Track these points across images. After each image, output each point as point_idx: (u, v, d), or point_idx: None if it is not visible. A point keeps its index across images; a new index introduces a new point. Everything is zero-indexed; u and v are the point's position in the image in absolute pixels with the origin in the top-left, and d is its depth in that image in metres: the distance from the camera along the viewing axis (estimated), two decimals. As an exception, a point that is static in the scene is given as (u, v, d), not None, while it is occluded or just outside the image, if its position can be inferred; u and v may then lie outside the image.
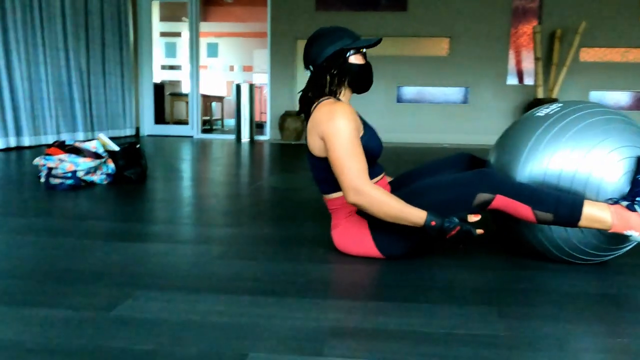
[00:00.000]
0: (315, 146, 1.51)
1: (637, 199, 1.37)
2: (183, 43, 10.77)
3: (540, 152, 1.48)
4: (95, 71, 6.30)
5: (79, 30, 5.93)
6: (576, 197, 1.39)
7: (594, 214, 1.35)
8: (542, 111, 1.59)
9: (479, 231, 1.42)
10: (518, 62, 7.06)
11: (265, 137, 7.49)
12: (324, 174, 1.55)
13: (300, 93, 1.60)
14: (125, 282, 1.31)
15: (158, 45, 10.63)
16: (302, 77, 7.32)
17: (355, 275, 1.41)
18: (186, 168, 3.75)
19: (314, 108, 1.53)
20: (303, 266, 1.48)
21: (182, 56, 10.71)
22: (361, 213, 1.53)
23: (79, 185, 2.76)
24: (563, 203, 1.37)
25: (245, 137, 7.03)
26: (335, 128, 1.43)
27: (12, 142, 4.82)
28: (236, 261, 1.51)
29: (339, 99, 1.55)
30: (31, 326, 1.04)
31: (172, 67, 10.97)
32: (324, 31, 1.54)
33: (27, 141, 4.99)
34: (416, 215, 1.39)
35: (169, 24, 10.77)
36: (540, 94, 6.62)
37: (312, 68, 1.55)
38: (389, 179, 1.82)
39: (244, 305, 1.18)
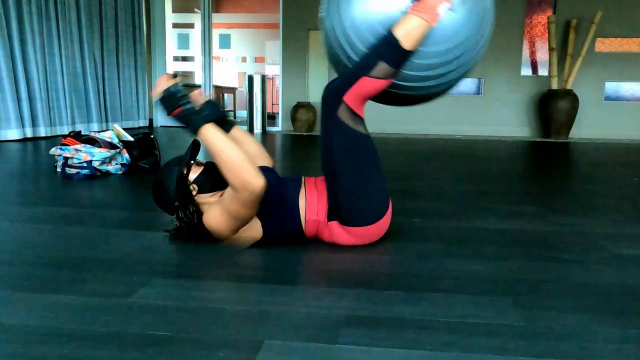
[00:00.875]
0: None
1: None
2: (195, 34, 10.79)
3: None
4: (109, 62, 6.35)
5: (94, 22, 5.97)
6: (384, 35, 1.43)
7: (405, 28, 1.40)
8: None
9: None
10: (532, 53, 6.98)
11: (278, 128, 7.51)
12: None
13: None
14: (142, 270, 1.33)
15: (171, 36, 10.67)
16: (314, 68, 7.31)
17: (369, 264, 1.42)
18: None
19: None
20: (317, 256, 1.49)
21: (195, 47, 10.75)
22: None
23: (95, 175, 2.80)
24: (378, 47, 1.42)
25: (257, 128, 7.05)
26: (215, 228, 1.48)
27: (29, 133, 4.89)
28: (251, 250, 1.52)
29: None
30: (51, 312, 1.06)
31: (184, 59, 11.01)
32: (156, 182, 1.56)
33: (42, 132, 5.06)
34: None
35: (181, 15, 10.79)
36: (555, 85, 6.54)
37: (171, 211, 1.55)
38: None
39: (259, 293, 1.19)
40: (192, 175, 1.55)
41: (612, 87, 6.88)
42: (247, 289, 1.22)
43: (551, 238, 1.73)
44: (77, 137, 2.97)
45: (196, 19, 9.64)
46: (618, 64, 6.78)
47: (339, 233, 1.54)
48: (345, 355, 0.91)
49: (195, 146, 1.61)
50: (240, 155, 1.39)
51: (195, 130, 1.45)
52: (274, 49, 11.04)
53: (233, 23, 11.70)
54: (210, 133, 1.43)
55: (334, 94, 1.47)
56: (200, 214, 1.53)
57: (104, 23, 6.18)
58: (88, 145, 2.85)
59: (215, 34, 11.40)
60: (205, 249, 1.51)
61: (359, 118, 1.49)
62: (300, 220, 1.54)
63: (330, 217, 1.53)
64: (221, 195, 1.53)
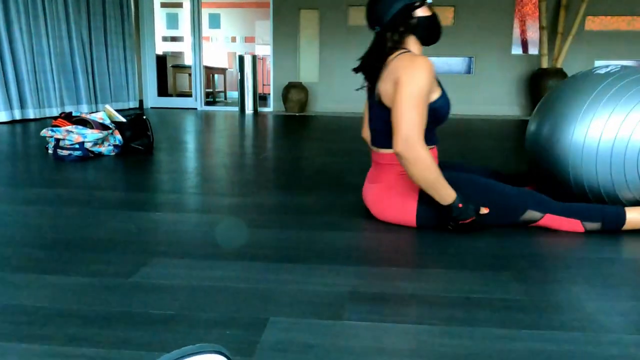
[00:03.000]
0: (386, 93, 1.49)
1: None
2: (185, 14, 10.62)
3: (598, 111, 1.52)
4: (97, 43, 6.23)
5: (80, 2, 5.84)
6: (618, 207, 1.52)
7: (637, 218, 1.50)
8: (601, 70, 1.63)
9: (484, 210, 1.50)
10: (523, 32, 6.96)
11: (269, 109, 7.46)
12: (387, 127, 1.53)
13: (367, 52, 1.57)
14: (141, 250, 1.32)
15: (159, 16, 10.49)
16: (306, 47, 7.23)
17: (371, 242, 1.43)
18: (191, 140, 3.75)
19: (391, 60, 1.50)
20: (318, 233, 1.49)
21: (184, 27, 10.59)
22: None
23: (87, 157, 2.77)
24: (608, 213, 1.51)
25: (249, 109, 7.00)
26: (412, 76, 1.41)
27: (17, 115, 4.81)
28: (251, 229, 1.52)
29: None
30: (53, 292, 1.06)
31: (173, 39, 10.84)
32: None
33: (31, 114, 4.98)
34: (447, 191, 1.42)
35: (169, -6, 10.60)
36: (545, 64, 6.54)
37: (378, 28, 1.54)
38: None
39: (261, 271, 1.19)
40: (420, 13, 1.53)
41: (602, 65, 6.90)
42: (249, 267, 1.22)
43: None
44: (69, 118, 2.92)
45: (184, -3, 9.47)
46: (608, 42, 6.78)
47: (378, 202, 1.60)
48: (349, 331, 0.92)
49: None
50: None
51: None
52: (264, 28, 10.90)
53: (222, 2, 11.51)
54: None
55: (545, 203, 1.53)
56: (399, 46, 1.52)
57: (91, 3, 6.05)
58: (80, 127, 2.81)
59: (205, 13, 11.21)
60: (202, 230, 1.51)
61: (530, 223, 1.56)
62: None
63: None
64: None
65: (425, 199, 1.51)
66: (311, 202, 1.88)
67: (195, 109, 7.52)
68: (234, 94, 10.97)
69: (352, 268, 1.22)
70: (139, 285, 1.10)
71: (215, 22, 11.70)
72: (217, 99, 9.53)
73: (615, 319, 0.98)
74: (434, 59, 7.10)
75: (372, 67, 1.55)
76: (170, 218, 1.62)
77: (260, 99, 8.62)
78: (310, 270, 1.20)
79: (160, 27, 10.62)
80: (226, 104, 8.41)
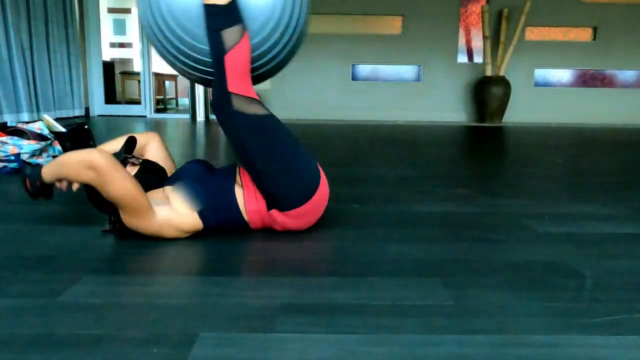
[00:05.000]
0: None
1: None
2: (133, 20, 10.39)
3: None
4: (38, 49, 6.01)
5: (19, 6, 5.62)
6: (202, 12, 1.44)
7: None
8: None
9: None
10: (468, 41, 7.22)
11: (221, 116, 7.38)
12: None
13: None
14: (72, 267, 1.29)
15: (106, 21, 10.22)
16: (257, 55, 7.22)
17: (306, 252, 1.44)
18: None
19: None
20: (253, 245, 1.49)
21: (132, 33, 10.36)
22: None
23: (24, 169, 2.67)
24: (209, 24, 1.42)
25: (200, 117, 6.92)
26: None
27: (-50, 125, 4.57)
28: (188, 242, 1.51)
29: None
30: (-27, 314, 1.02)
31: (122, 45, 10.59)
32: None
33: (-34, 123, 4.74)
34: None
35: (117, -1, 10.35)
36: (489, 72, 6.80)
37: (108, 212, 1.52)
38: None
39: (194, 286, 1.19)
40: None
41: (541, 73, 7.25)
42: (182, 282, 1.21)
43: (481, 219, 1.81)
44: (3, 128, 2.80)
45: (132, 3, 9.26)
46: (546, 52, 7.13)
47: (283, 220, 1.54)
48: (280, 344, 0.93)
49: (130, 142, 1.56)
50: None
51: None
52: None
53: (172, 8, 11.34)
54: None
55: (219, 95, 1.44)
56: None
57: (31, 7, 5.83)
58: (15, 137, 2.70)
59: (154, 19, 11.02)
60: (139, 244, 1.48)
61: (253, 101, 1.46)
62: (239, 211, 1.52)
63: (269, 206, 1.53)
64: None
65: (281, 201, 1.50)
66: (254, 212, 1.88)
67: (145, 116, 7.36)
68: (185, 101, 10.82)
69: (285, 279, 1.23)
70: (66, 304, 1.07)
71: (165, 28, 11.51)
72: (168, 106, 9.36)
73: (533, 320, 1.03)
74: (383, 67, 7.25)
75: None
76: (107, 233, 1.59)
77: (212, 106, 8.53)
78: (244, 283, 1.21)
79: (108, 33, 10.35)
80: (177, 111, 8.28)
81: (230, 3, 1.42)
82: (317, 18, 7.05)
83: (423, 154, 3.61)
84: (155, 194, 1.51)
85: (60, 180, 1.43)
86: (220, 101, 1.45)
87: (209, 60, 1.51)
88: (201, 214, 1.48)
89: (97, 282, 1.20)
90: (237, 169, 1.61)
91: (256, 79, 1.63)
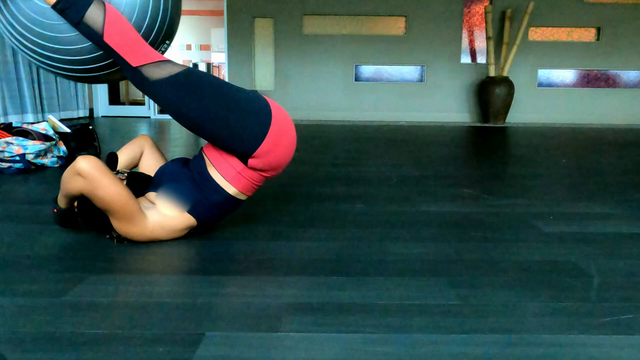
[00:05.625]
0: None
1: None
2: (136, 21, 10.42)
3: None
4: (42, 50, 6.03)
5: (23, 7, 5.64)
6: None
7: None
8: None
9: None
10: (471, 41, 7.21)
11: (224, 117, 7.39)
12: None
13: None
14: (77, 267, 1.29)
15: (110, 22, 10.26)
16: (261, 55, 7.23)
17: (311, 251, 1.44)
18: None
19: None
20: (259, 245, 1.49)
21: (136, 34, 10.38)
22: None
23: (29, 169, 2.67)
24: (67, 11, 1.37)
25: (203, 118, 6.92)
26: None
27: (-45, 126, 4.59)
28: (193, 242, 1.51)
29: None
30: (-21, 313, 1.02)
31: (125, 46, 10.62)
32: None
33: (-29, 124, 4.76)
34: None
35: (120, 0, 10.40)
36: (492, 72, 6.79)
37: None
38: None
39: (200, 285, 1.19)
40: None
41: (544, 73, 7.23)
42: (187, 281, 1.21)
43: (486, 219, 1.81)
44: (8, 129, 2.81)
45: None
46: (549, 52, 7.11)
47: (262, 164, 1.47)
48: (286, 343, 0.93)
49: (112, 158, 1.55)
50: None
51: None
52: (219, 36, 10.82)
53: (175, 9, 11.37)
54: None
55: (130, 76, 1.41)
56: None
57: (36, 8, 5.86)
58: (20, 138, 2.71)
59: (157, 20, 11.06)
60: (144, 244, 1.48)
61: (162, 63, 1.41)
62: (222, 188, 1.48)
63: (242, 160, 1.47)
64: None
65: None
66: (258, 212, 1.88)
67: (149, 117, 7.37)
68: (189, 102, 10.82)
69: (290, 278, 1.23)
70: (72, 304, 1.07)
71: (168, 29, 11.54)
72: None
73: (540, 320, 1.03)
74: (387, 68, 7.25)
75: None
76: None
77: (216, 107, 8.54)
78: (249, 282, 1.20)
79: (112, 34, 10.40)
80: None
81: None
82: (320, 19, 7.06)
83: (427, 154, 3.60)
84: (142, 201, 1.50)
85: (67, 198, 1.42)
86: (134, 80, 1.41)
87: (82, 57, 1.45)
88: (191, 212, 1.47)
89: (102, 281, 1.20)
90: (201, 150, 1.57)
91: (156, 41, 1.56)
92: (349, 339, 0.94)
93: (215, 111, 1.40)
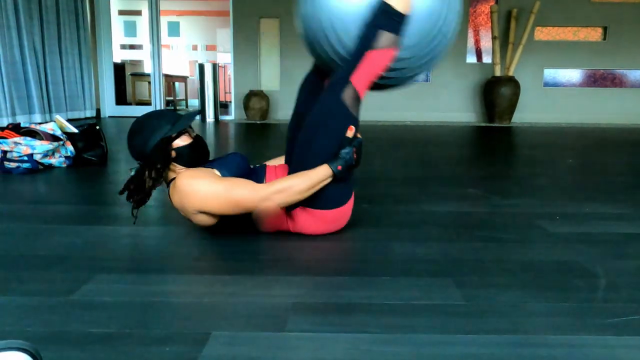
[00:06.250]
0: (202, 216, 1.46)
1: None
2: (143, 22, 10.47)
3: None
4: (51, 51, 6.06)
5: (32, 8, 5.68)
6: (376, 6, 1.46)
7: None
8: None
9: (349, 132, 1.48)
10: (477, 41, 7.19)
11: (230, 117, 7.42)
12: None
13: (129, 184, 1.48)
14: (85, 266, 1.30)
15: (117, 23, 10.30)
16: (266, 56, 7.24)
17: (317, 251, 1.44)
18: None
19: (169, 190, 1.48)
20: (266, 244, 1.50)
21: (143, 35, 10.43)
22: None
23: (37, 169, 2.69)
24: (376, 19, 1.45)
25: (210, 117, 6.95)
26: (199, 199, 1.40)
27: (-37, 126, 4.63)
28: (200, 241, 1.51)
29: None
30: (-12, 312, 1.03)
31: (132, 47, 10.66)
32: (139, 125, 1.48)
33: (-21, 124, 4.80)
34: (322, 174, 1.44)
35: (127, 1, 10.43)
36: (498, 72, 6.76)
37: (140, 162, 1.50)
38: (279, 161, 1.81)
39: (207, 284, 1.19)
40: (180, 142, 1.49)
41: (550, 73, 7.19)
42: (194, 280, 1.22)
43: (492, 219, 1.80)
44: (16, 129, 2.84)
45: (143, 5, 9.33)
46: (555, 52, 7.07)
47: (305, 220, 1.52)
48: (292, 343, 0.93)
49: (195, 115, 1.53)
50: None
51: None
52: (225, 36, 10.85)
53: (182, 10, 11.37)
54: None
55: (339, 77, 1.47)
56: (160, 180, 1.48)
57: (44, 10, 5.89)
58: (28, 138, 2.73)
59: (164, 21, 11.07)
60: (151, 243, 1.49)
61: (358, 102, 1.49)
62: None
63: (292, 205, 1.51)
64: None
65: (311, 203, 1.50)
66: (264, 212, 1.88)
67: (155, 117, 7.40)
68: (195, 102, 10.86)
69: (297, 278, 1.24)
70: (80, 303, 1.08)
71: (174, 30, 11.56)
72: (178, 107, 9.41)
73: (546, 321, 1.03)
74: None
75: (139, 201, 1.50)
76: (119, 232, 1.60)
77: (222, 106, 8.57)
78: (256, 282, 1.21)
79: (119, 34, 10.42)
80: (187, 113, 8.30)
81: (405, 15, 1.45)
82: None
83: (432, 154, 3.59)
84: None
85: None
86: (337, 82, 1.46)
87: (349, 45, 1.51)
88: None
89: (109, 280, 1.21)
90: (265, 169, 1.61)
91: (375, 86, 1.64)
92: (355, 339, 0.95)
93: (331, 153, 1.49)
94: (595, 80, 7.25)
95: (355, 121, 1.49)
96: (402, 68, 1.56)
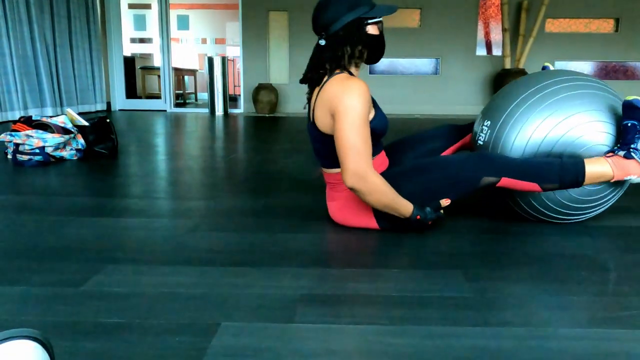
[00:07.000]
0: (324, 123, 1.45)
1: (632, 146, 1.44)
2: (153, 15, 10.49)
3: (522, 118, 1.55)
4: (62, 44, 6.10)
5: (43, 3, 5.71)
6: (576, 159, 1.46)
7: (596, 170, 1.45)
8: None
9: (445, 202, 1.49)
10: (487, 34, 7.12)
11: (239, 110, 7.43)
12: (328, 150, 1.51)
13: (310, 64, 1.49)
14: (96, 257, 1.31)
15: (127, 17, 10.33)
16: (275, 49, 7.23)
17: (327, 244, 1.45)
18: (160, 142, 3.71)
19: (326, 81, 1.45)
20: (276, 236, 1.50)
21: (152, 29, 10.46)
22: None
23: (48, 162, 2.72)
24: (566, 170, 1.44)
25: (219, 111, 6.96)
26: (349, 106, 1.35)
27: (-24, 119, 4.68)
28: (210, 233, 1.52)
29: (351, 73, 1.47)
30: (1, 304, 1.04)
31: (142, 40, 10.69)
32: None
33: (-9, 118, 4.85)
34: (404, 208, 1.43)
35: (137, -5, 10.47)
36: (508, 65, 6.70)
37: (324, 35, 1.45)
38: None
39: (217, 276, 1.20)
40: (371, 30, 1.46)
41: (561, 66, 7.10)
42: (203, 272, 1.22)
43: (502, 212, 1.79)
44: (28, 122, 2.86)
45: (152, -1, 9.35)
46: (566, 44, 6.99)
47: (342, 207, 1.58)
48: (300, 334, 0.94)
49: (394, 9, 1.49)
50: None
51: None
52: (234, 30, 10.85)
53: (191, 4, 11.38)
54: None
55: (500, 166, 1.46)
56: (358, 63, 1.48)
57: (55, 4, 5.92)
58: (40, 131, 2.75)
59: (173, 14, 11.08)
60: (162, 235, 1.50)
61: (479, 189, 1.50)
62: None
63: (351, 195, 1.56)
64: None
65: (381, 215, 1.52)
66: (275, 204, 1.89)
67: (165, 110, 7.43)
68: (205, 95, 10.88)
69: (306, 270, 1.24)
70: (92, 293, 1.09)
71: (184, 23, 11.57)
72: (187, 101, 9.44)
73: (556, 314, 1.02)
74: (401, 61, 7.20)
75: (310, 80, 1.51)
76: (129, 224, 1.61)
77: (231, 100, 8.59)
78: (265, 274, 1.21)
79: (128, 28, 10.45)
80: (196, 106, 8.33)
81: (581, 185, 1.47)
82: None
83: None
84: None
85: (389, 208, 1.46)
86: (494, 167, 1.45)
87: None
88: None
89: (119, 271, 1.22)
90: (381, 150, 1.61)
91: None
92: (364, 331, 0.95)
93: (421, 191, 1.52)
94: (608, 72, 7.16)
95: (455, 198, 1.50)
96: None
